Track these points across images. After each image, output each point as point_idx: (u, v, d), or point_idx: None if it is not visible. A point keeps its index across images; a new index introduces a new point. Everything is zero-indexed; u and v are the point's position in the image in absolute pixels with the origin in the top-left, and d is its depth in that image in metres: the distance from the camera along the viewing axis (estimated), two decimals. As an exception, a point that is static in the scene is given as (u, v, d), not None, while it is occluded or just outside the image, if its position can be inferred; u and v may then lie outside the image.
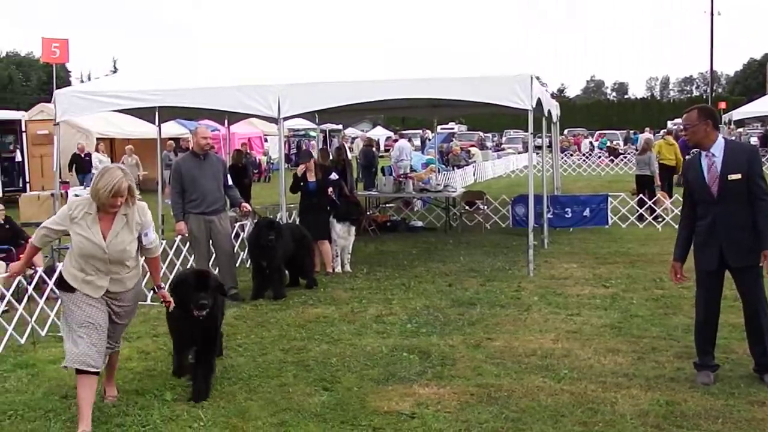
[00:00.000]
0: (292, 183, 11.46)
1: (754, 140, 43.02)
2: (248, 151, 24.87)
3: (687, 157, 16.82)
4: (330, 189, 11.52)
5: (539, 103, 11.93)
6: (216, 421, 5.45)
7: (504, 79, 11.00)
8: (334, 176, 11.96)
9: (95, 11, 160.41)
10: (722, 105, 51.21)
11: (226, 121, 17.04)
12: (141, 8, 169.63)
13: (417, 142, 40.94)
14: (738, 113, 37.47)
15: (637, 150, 37.55)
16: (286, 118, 11.69)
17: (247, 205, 10.08)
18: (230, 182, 9.87)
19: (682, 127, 6.36)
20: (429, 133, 37.22)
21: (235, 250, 10.96)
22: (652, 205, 16.17)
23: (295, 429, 5.29)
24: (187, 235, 9.67)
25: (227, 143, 19.19)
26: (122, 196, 5.32)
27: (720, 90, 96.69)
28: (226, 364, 6.78)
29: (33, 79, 76.92)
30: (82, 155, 22.61)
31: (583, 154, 40.20)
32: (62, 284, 5.49)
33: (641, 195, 16.65)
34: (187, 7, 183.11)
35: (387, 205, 17.97)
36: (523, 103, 10.79)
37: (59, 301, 8.33)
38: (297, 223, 11.58)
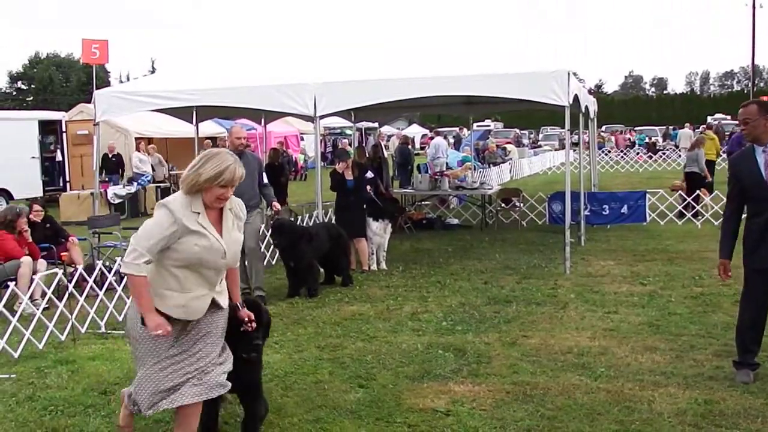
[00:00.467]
0: (332, 181, 11.49)
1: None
2: (285, 149, 25.02)
3: (727, 153, 16.57)
4: (368, 187, 11.56)
5: (576, 99, 11.82)
6: (253, 417, 5.50)
7: (541, 75, 10.91)
8: (369, 174, 12.01)
9: (95, 11, 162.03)
10: (766, 99, 50.29)
11: (262, 120, 17.20)
12: (140, 8, 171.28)
13: (452, 139, 40.80)
14: (781, 107, 36.59)
15: (676, 146, 37.23)
16: (322, 117, 11.74)
17: (277, 204, 10.05)
18: (266, 180, 9.92)
19: (739, 121, 6.15)
20: (465, 131, 37.07)
21: (269, 249, 11.00)
22: (692, 202, 15.89)
23: (331, 426, 5.32)
24: None
25: (264, 142, 19.31)
26: (233, 187, 4.43)
27: (762, 84, 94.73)
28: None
29: (73, 80, 78.14)
30: (110, 156, 22.80)
31: (621, 151, 39.76)
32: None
33: (680, 191, 16.41)
34: (187, 7, 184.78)
35: (423, 202, 17.96)
36: (560, 99, 10.68)
37: (98, 299, 8.52)
38: (333, 221, 11.63)
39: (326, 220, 11.79)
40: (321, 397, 5.87)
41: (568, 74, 10.76)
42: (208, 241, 4.33)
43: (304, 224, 11.76)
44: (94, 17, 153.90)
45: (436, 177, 16.94)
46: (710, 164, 18.83)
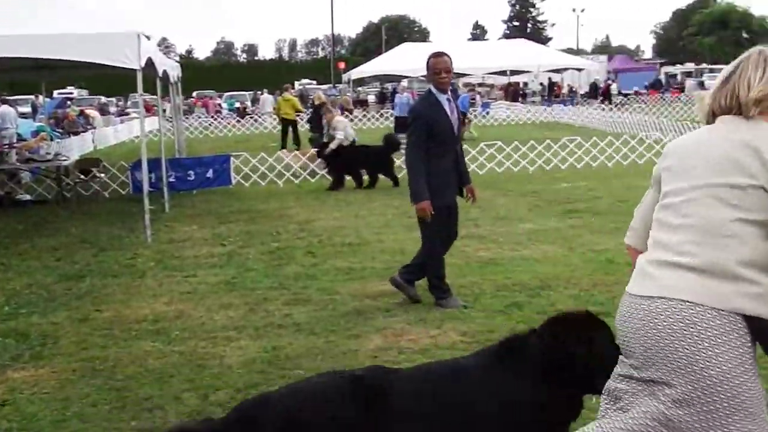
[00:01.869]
0: None
1: (371, 98, 46.75)
2: None
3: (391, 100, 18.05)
4: None
5: (151, 63, 11.57)
6: None
7: (108, 36, 10.49)
8: None
9: None
10: (341, 65, 54.74)
11: None
12: None
13: (28, 108, 37.39)
14: (356, 72, 40.57)
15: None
16: None
17: None
18: None
19: (439, 69, 6.41)
20: (41, 98, 34.22)
21: None
22: (274, 163, 16.55)
23: None
24: None
25: None
26: None
27: (343, 51, 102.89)
28: None
29: None
30: None
31: (211, 116, 40.35)
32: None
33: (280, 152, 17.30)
34: None
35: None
36: (130, 62, 10.32)
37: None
38: None
39: None
40: None
41: (139, 36, 10.43)
42: None
43: None
44: None
45: (3, 150, 15.35)
46: (290, 123, 21.56)
